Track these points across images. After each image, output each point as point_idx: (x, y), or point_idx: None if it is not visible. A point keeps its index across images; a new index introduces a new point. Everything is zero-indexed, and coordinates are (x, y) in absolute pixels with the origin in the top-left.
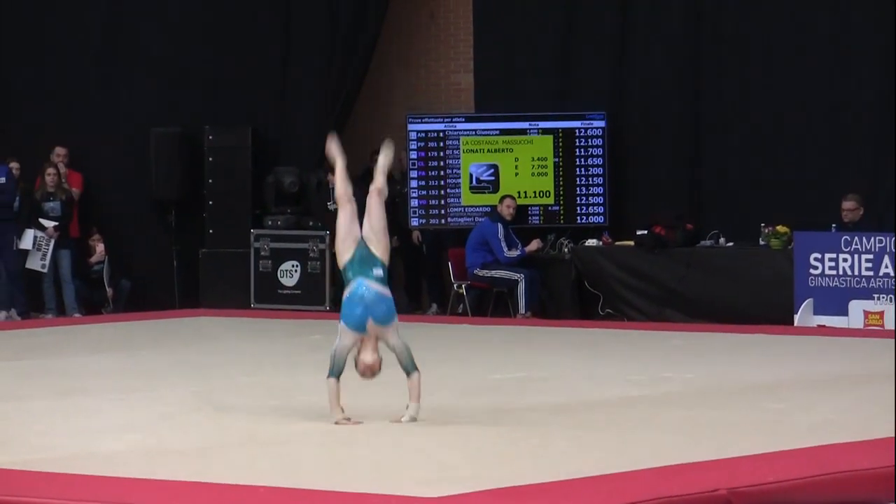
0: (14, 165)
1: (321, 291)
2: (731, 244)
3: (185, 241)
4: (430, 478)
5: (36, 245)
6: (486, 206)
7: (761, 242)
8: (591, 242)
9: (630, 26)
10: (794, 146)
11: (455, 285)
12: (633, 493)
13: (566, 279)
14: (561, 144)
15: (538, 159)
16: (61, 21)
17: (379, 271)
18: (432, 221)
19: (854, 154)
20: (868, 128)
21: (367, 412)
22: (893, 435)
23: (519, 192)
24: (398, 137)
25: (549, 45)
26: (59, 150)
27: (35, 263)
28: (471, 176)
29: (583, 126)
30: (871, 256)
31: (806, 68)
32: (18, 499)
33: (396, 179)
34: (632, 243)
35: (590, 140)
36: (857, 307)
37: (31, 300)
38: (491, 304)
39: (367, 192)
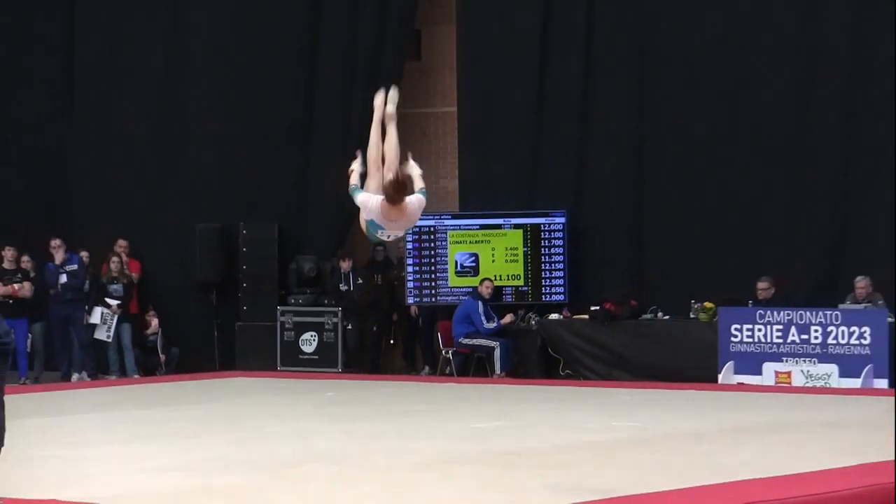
0: (84, 255)
1: (335, 356)
2: (667, 317)
3: (223, 316)
4: None
5: (102, 319)
6: (469, 286)
7: (691, 316)
8: (554, 316)
9: (587, 138)
10: (718, 237)
11: (444, 351)
12: None
13: (533, 346)
14: (529, 237)
15: (510, 249)
16: (117, 142)
17: None
18: (425, 299)
19: (767, 244)
20: (775, 223)
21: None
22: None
23: (495, 276)
24: None
25: (519, 158)
26: (121, 242)
27: (101, 334)
28: (456, 262)
29: (547, 222)
30: (780, 326)
31: (725, 172)
32: None
33: (395, 265)
34: (587, 317)
35: (552, 233)
36: (769, 368)
37: (98, 365)
38: (472, 367)
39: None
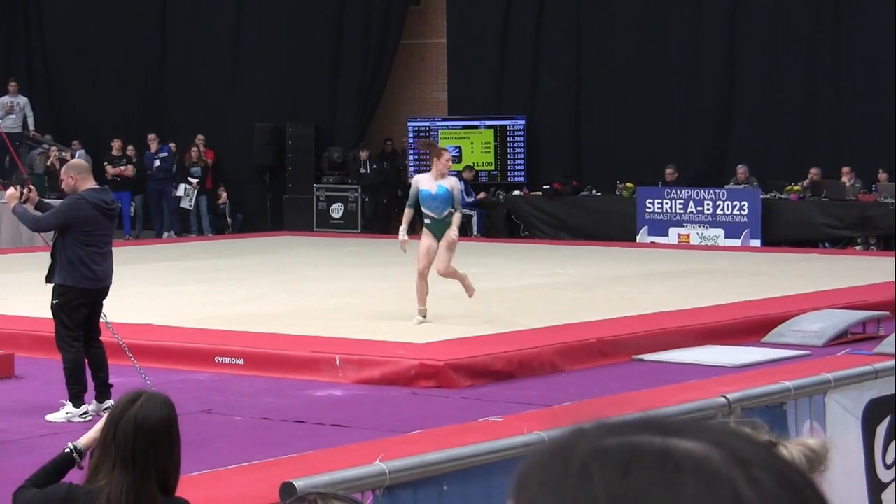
0: (172, 146)
1: (356, 221)
2: (599, 193)
3: (274, 191)
4: (420, 332)
5: (186, 193)
6: (454, 171)
7: (617, 192)
8: (516, 192)
9: (539, 63)
10: (637, 134)
11: None
12: (536, 341)
13: (501, 214)
14: (498, 135)
15: (484, 143)
16: (199, 60)
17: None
18: None
19: (672, 140)
20: (677, 124)
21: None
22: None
23: (473, 163)
24: (402, 132)
25: (491, 77)
26: (200, 137)
27: (185, 204)
28: None
29: (511, 123)
30: (682, 201)
31: (642, 86)
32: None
33: (400, 155)
34: (540, 193)
35: (515, 132)
36: (673, 231)
37: (182, 226)
38: None
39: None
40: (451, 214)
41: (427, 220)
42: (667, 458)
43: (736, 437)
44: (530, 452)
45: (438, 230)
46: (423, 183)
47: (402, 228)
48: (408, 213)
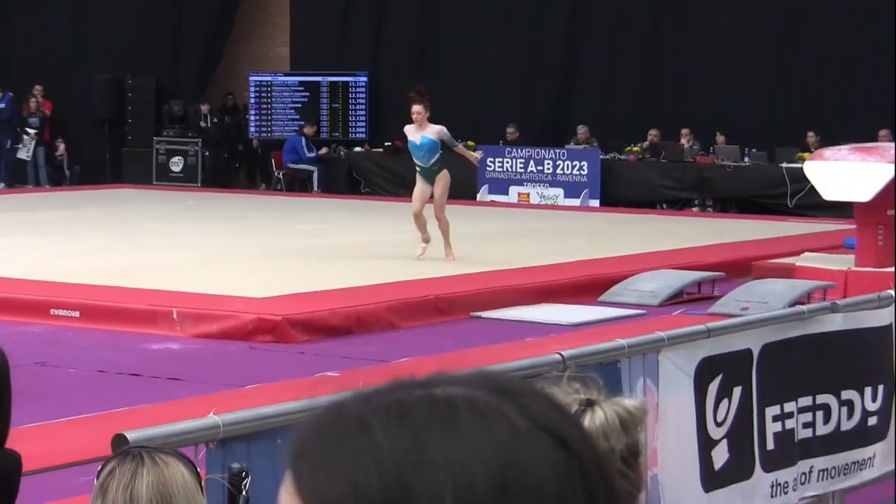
0: (10, 95)
1: (195, 175)
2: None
3: (114, 143)
4: (259, 287)
5: (23, 144)
6: (295, 127)
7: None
8: (357, 149)
9: (380, 17)
10: (478, 93)
11: (276, 173)
12: (374, 297)
13: (342, 171)
14: (340, 91)
15: (326, 99)
16: (44, 10)
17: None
18: (263, 134)
19: (514, 99)
20: (519, 83)
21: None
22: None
23: (316, 119)
24: (243, 87)
25: (333, 33)
26: (38, 87)
27: (22, 154)
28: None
29: (353, 80)
30: (522, 160)
31: (488, 46)
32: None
33: (241, 110)
34: (381, 150)
35: (357, 88)
36: (514, 190)
37: (18, 178)
38: (297, 185)
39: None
40: (437, 163)
41: (417, 168)
42: (435, 401)
43: (494, 377)
44: (297, 426)
45: (427, 176)
46: (410, 134)
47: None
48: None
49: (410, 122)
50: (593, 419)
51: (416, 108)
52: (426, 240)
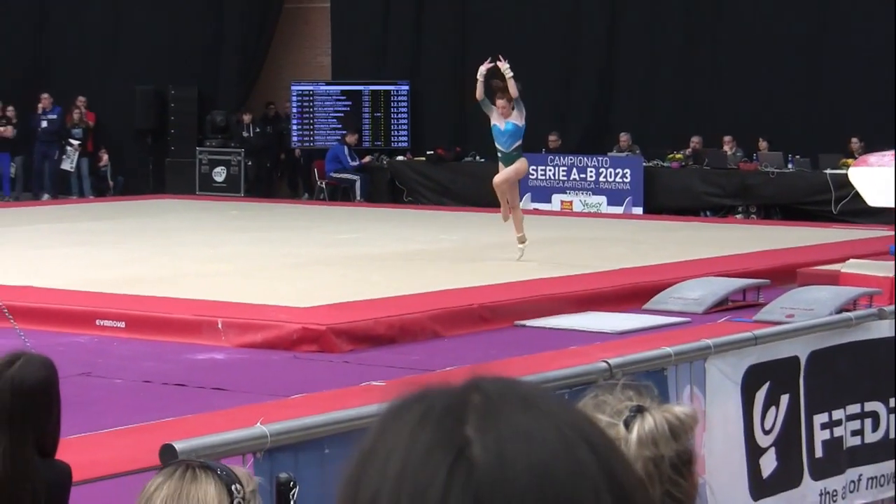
0: (60, 108)
1: (238, 185)
2: (482, 159)
3: (156, 153)
4: (303, 296)
5: (67, 155)
6: (337, 136)
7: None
8: (400, 158)
9: (420, 27)
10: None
11: (318, 182)
12: (418, 306)
13: (384, 179)
14: (381, 100)
15: (368, 108)
16: (75, 13)
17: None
18: (305, 143)
19: (555, 107)
20: (560, 91)
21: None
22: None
23: (358, 128)
24: (285, 96)
25: (374, 41)
26: (81, 98)
27: (66, 166)
28: (328, 117)
29: (395, 88)
30: (565, 168)
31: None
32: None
33: (283, 119)
34: (424, 159)
35: (399, 97)
36: (556, 198)
37: (62, 189)
38: (339, 194)
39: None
40: (518, 149)
41: (499, 154)
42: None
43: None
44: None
45: (507, 162)
46: (494, 119)
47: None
48: None
49: (451, 130)
50: (643, 425)
51: (501, 103)
52: (523, 240)
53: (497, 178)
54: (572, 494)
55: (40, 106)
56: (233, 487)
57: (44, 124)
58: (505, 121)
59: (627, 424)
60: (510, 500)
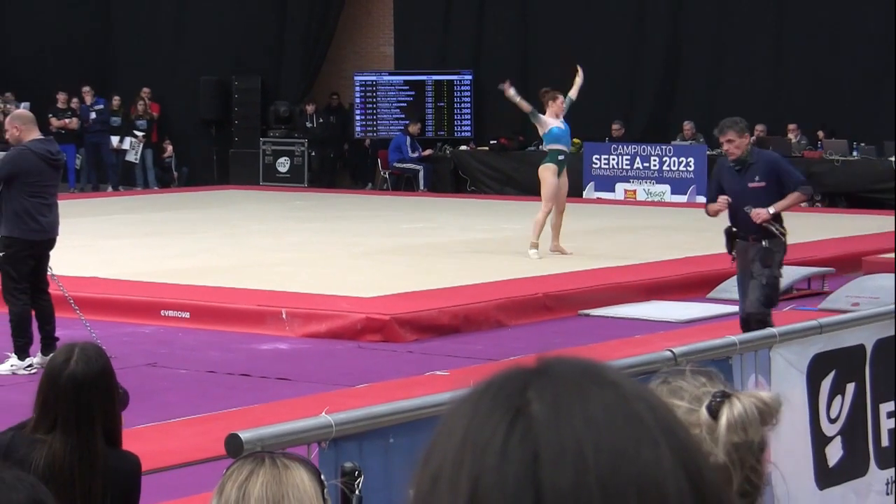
0: (117, 99)
1: (302, 175)
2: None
3: (220, 144)
4: (366, 286)
5: (131, 146)
6: (401, 126)
7: None
8: (463, 147)
9: (483, 17)
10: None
11: (382, 172)
12: (482, 296)
13: (447, 169)
14: (444, 89)
15: (431, 98)
16: (139, 4)
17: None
18: (369, 133)
19: (618, 96)
20: (625, 80)
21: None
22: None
23: (421, 118)
24: (348, 86)
25: (437, 31)
26: (145, 90)
27: (131, 157)
28: (391, 107)
29: (458, 78)
30: (628, 157)
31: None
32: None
33: (346, 109)
34: (487, 148)
35: (462, 86)
36: (620, 187)
37: (128, 180)
38: (402, 184)
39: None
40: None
41: (560, 157)
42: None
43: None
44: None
45: (564, 167)
46: (550, 123)
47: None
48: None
49: (514, 119)
50: (732, 411)
51: (556, 103)
52: (536, 245)
53: (547, 207)
54: (629, 444)
55: (85, 99)
56: (321, 477)
57: (93, 115)
58: (561, 120)
59: (712, 410)
60: (567, 450)
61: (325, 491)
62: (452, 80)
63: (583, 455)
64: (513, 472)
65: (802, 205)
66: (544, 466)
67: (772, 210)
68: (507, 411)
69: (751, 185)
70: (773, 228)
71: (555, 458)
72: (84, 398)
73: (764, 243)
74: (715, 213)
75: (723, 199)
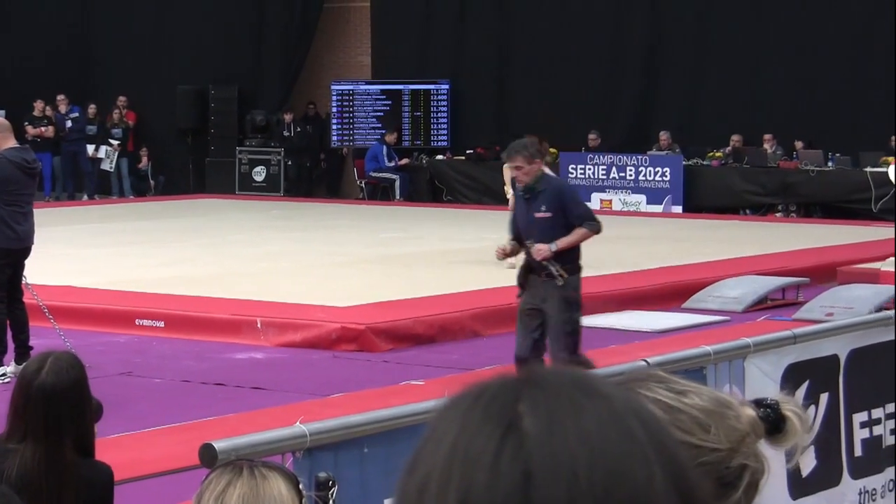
0: (92, 108)
1: (278, 185)
2: None
3: (196, 153)
4: (342, 296)
5: (107, 155)
6: (378, 135)
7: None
8: (440, 157)
9: (462, 25)
10: (561, 100)
11: (358, 182)
12: (458, 305)
13: (424, 179)
14: (422, 99)
15: (407, 107)
16: (116, 13)
17: None
18: (346, 143)
19: (594, 106)
20: (600, 90)
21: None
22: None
23: (398, 127)
24: (325, 95)
25: (414, 39)
26: (121, 98)
27: (106, 166)
28: (368, 116)
29: (435, 88)
30: (604, 166)
31: (568, 54)
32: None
33: (323, 118)
34: (463, 158)
35: (439, 96)
36: (596, 197)
37: (102, 188)
38: (379, 194)
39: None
40: None
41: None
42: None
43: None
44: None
45: None
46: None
47: None
48: None
49: (491, 129)
50: (798, 416)
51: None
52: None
53: None
54: (622, 463)
55: (60, 107)
56: (300, 486)
57: (69, 124)
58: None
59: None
60: (560, 468)
61: (304, 500)
62: (429, 90)
63: (576, 475)
64: (503, 489)
65: (777, 214)
66: (536, 486)
67: (553, 247)
68: (497, 425)
69: (537, 214)
70: (553, 269)
71: (547, 478)
72: (54, 408)
73: (558, 282)
74: (499, 258)
75: (499, 248)
